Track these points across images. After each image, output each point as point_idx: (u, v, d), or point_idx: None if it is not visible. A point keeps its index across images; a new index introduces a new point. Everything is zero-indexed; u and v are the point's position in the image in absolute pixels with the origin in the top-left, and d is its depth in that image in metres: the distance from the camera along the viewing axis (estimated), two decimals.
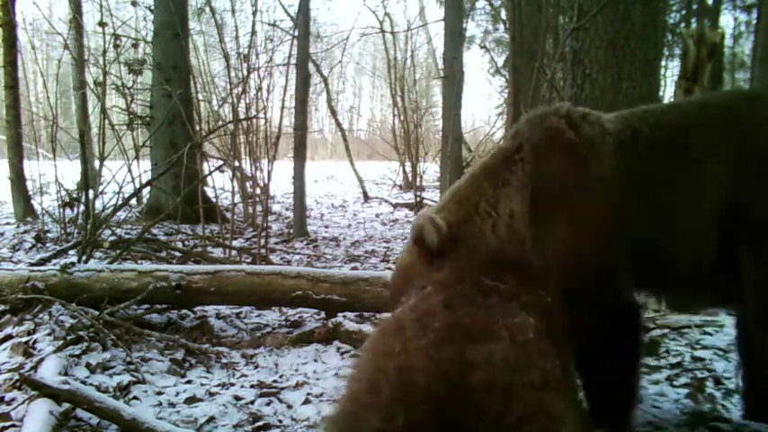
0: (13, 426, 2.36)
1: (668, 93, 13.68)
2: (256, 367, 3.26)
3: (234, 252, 5.91)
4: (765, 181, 2.03)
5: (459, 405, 1.05)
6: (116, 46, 6.90)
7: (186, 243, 6.39)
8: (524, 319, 1.29)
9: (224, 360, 3.32)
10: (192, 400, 2.77)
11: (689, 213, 2.12)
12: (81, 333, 3.26)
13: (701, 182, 2.11)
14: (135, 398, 2.78)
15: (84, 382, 2.69)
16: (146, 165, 7.86)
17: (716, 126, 2.15)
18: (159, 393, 2.87)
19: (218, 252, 5.98)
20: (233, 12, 9.38)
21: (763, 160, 2.05)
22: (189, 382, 3.03)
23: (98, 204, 5.37)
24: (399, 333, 1.21)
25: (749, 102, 2.28)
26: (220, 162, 7.04)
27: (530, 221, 2.19)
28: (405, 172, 15.07)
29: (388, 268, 5.33)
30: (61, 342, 3.13)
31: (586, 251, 2.13)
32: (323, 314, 3.94)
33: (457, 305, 1.27)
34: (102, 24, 6.45)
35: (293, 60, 7.63)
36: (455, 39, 12.46)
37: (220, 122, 8.09)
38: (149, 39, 8.54)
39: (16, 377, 2.71)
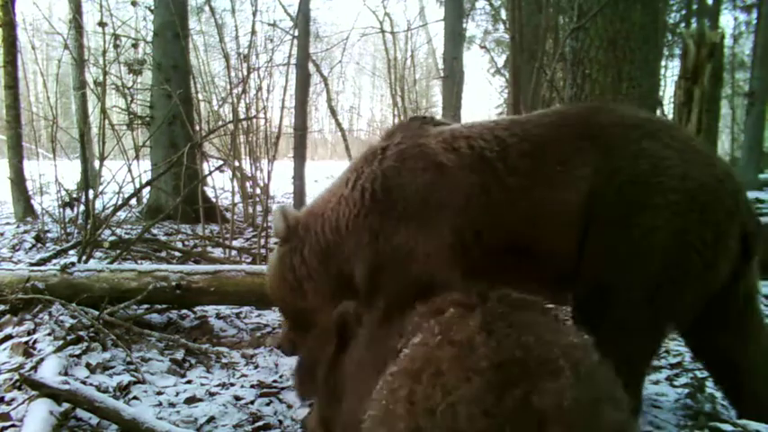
0: (13, 426, 2.37)
1: (668, 93, 13.70)
2: (256, 367, 3.26)
3: (234, 252, 5.91)
4: (614, 180, 2.17)
5: None
6: (116, 46, 6.90)
7: (186, 243, 6.39)
8: (581, 339, 1.08)
9: (224, 360, 3.32)
10: (192, 400, 2.78)
11: (563, 207, 2.24)
12: (81, 333, 3.26)
13: (569, 183, 2.24)
14: (135, 398, 2.79)
15: (84, 382, 2.69)
16: (146, 165, 7.86)
17: (575, 134, 2.30)
18: (159, 393, 2.87)
19: (218, 252, 5.98)
20: (233, 12, 9.37)
21: (613, 160, 2.20)
22: (189, 382, 3.03)
23: (98, 204, 5.37)
24: (437, 378, 0.94)
25: (602, 112, 2.42)
26: (220, 162, 7.03)
27: (370, 225, 2.36)
28: None
29: None
30: (61, 342, 3.13)
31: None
32: None
33: (501, 330, 1.01)
34: (102, 24, 6.45)
35: (293, 60, 7.63)
36: (455, 39, 12.51)
37: (220, 122, 8.09)
38: (149, 39, 8.54)
39: (16, 377, 2.71)
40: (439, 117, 2.76)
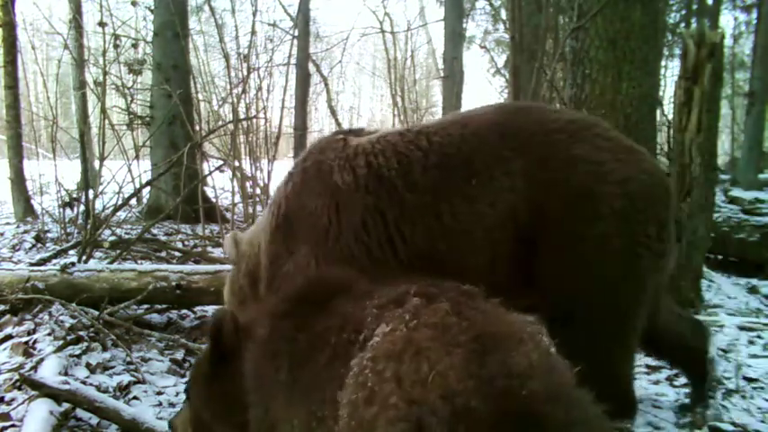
0: (13, 426, 2.36)
1: (668, 93, 13.69)
2: None
3: None
4: (554, 192, 2.14)
5: (525, 423, 0.93)
6: (116, 46, 6.90)
7: (186, 243, 6.39)
8: (524, 318, 1.25)
9: None
10: None
11: (479, 220, 2.20)
12: (81, 333, 3.26)
13: (486, 196, 2.19)
14: (135, 398, 2.79)
15: (84, 382, 2.69)
16: (146, 165, 7.85)
17: (493, 143, 2.24)
18: (159, 393, 2.87)
19: (218, 252, 5.98)
20: (233, 12, 9.36)
21: (547, 171, 2.16)
22: None
23: (98, 204, 5.37)
24: (421, 355, 1.04)
25: (519, 116, 2.33)
26: (220, 162, 7.03)
27: (275, 251, 2.46)
28: None
29: None
30: (61, 342, 3.13)
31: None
32: None
33: (468, 312, 1.15)
34: (102, 24, 6.45)
35: (293, 60, 7.63)
36: (455, 39, 12.50)
37: (220, 122, 8.08)
38: (149, 39, 8.54)
39: (16, 377, 2.71)
40: (369, 128, 2.74)
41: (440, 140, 2.32)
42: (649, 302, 2.32)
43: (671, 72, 16.05)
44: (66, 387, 2.41)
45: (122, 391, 2.83)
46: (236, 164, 7.50)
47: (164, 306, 3.91)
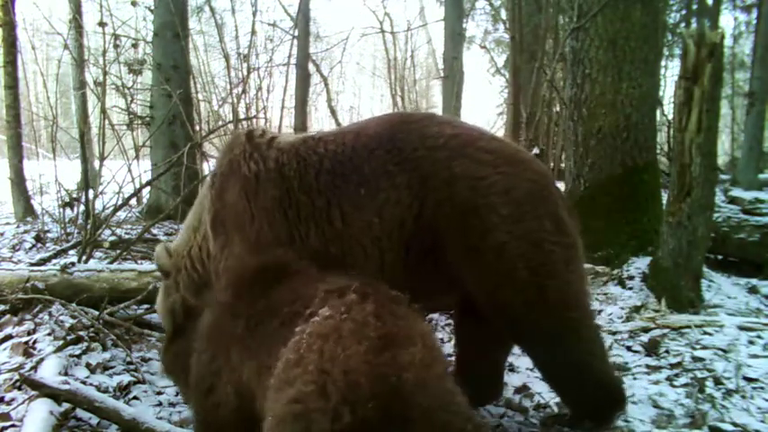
0: (13, 426, 2.36)
1: (668, 93, 13.70)
2: None
3: None
4: (441, 212, 2.20)
5: (395, 401, 1.29)
6: (116, 46, 6.90)
7: None
8: (426, 326, 1.64)
9: None
10: None
11: (368, 229, 2.27)
12: (81, 333, 3.26)
13: (373, 206, 2.26)
14: (135, 398, 2.79)
15: (84, 382, 2.69)
16: (146, 165, 7.85)
17: (380, 155, 2.30)
18: (159, 393, 2.87)
19: None
20: (233, 12, 9.38)
21: (429, 191, 2.22)
22: None
23: (98, 204, 5.37)
24: (340, 340, 1.40)
25: (401, 131, 2.36)
26: None
27: (212, 240, 2.56)
28: None
29: None
30: (61, 342, 3.13)
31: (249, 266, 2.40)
32: None
33: (384, 316, 1.50)
34: (102, 24, 6.45)
35: (293, 60, 7.63)
36: (455, 39, 12.49)
37: (220, 122, 8.08)
38: (149, 39, 8.54)
39: (16, 377, 2.71)
40: (279, 131, 2.84)
41: (334, 148, 2.40)
42: (584, 291, 2.35)
43: (671, 72, 16.07)
44: (66, 387, 2.41)
45: (122, 391, 2.83)
46: None
47: None
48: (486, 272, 2.20)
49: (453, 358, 2.89)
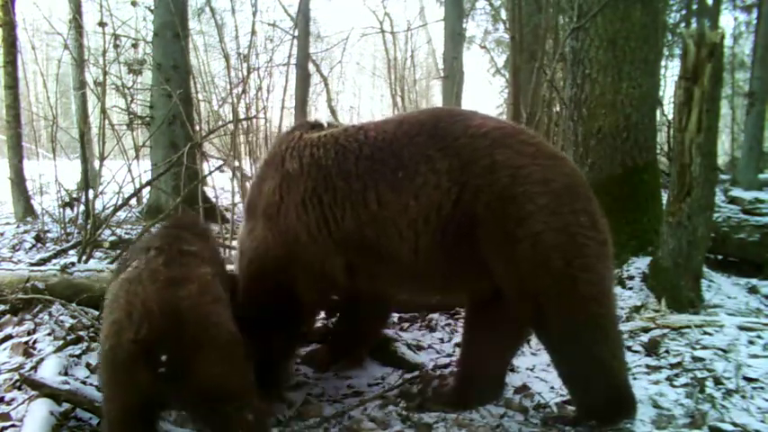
0: (13, 426, 2.36)
1: (668, 93, 13.69)
2: None
3: (234, 252, 5.90)
4: (480, 199, 2.25)
5: (176, 319, 1.86)
6: (116, 46, 6.89)
7: None
8: (205, 270, 2.13)
9: None
10: None
11: (404, 211, 2.32)
12: (81, 333, 3.26)
13: (411, 190, 2.31)
14: None
15: (84, 382, 2.69)
16: (146, 165, 7.85)
17: (421, 142, 2.37)
18: None
19: None
20: (233, 12, 9.36)
21: (470, 177, 2.27)
22: None
23: (98, 204, 5.37)
24: (140, 281, 1.97)
25: (444, 120, 2.44)
26: (220, 162, 7.03)
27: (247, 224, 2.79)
28: None
29: None
30: (61, 342, 3.13)
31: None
32: (322, 314, 3.93)
33: (170, 264, 2.06)
34: (102, 24, 6.44)
35: (293, 60, 7.63)
36: (455, 39, 12.49)
37: (220, 122, 8.07)
38: (149, 39, 8.53)
39: (16, 377, 2.71)
40: (326, 120, 2.96)
41: (375, 135, 2.47)
42: (613, 291, 2.36)
43: (671, 72, 16.06)
44: (66, 387, 2.41)
45: None
46: (236, 164, 7.50)
47: None
48: (520, 259, 2.22)
49: (454, 358, 2.89)
